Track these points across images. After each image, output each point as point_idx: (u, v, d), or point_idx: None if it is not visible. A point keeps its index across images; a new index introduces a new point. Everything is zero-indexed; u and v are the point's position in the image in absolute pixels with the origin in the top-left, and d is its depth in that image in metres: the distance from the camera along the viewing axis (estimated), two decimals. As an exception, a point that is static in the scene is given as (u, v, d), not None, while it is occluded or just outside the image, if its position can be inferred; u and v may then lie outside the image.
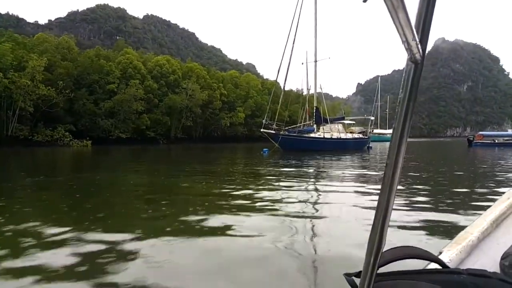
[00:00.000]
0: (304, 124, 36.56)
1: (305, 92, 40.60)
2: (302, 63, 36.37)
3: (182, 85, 64.94)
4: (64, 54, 54.60)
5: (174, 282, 3.41)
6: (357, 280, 0.79)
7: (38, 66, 44.63)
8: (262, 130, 29.11)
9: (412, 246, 1.00)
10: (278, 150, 29.13)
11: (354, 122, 44.96)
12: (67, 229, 5.14)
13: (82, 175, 14.64)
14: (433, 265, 1.06)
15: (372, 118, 42.86)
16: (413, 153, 29.18)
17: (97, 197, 8.79)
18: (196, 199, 8.02)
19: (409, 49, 0.57)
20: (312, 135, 32.24)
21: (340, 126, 36.44)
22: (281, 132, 30.21)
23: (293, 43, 29.88)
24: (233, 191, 8.99)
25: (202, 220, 5.78)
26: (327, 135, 33.07)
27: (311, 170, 15.90)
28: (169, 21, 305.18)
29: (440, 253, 1.45)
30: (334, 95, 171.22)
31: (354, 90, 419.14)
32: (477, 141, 47.55)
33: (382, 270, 0.87)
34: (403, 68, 0.62)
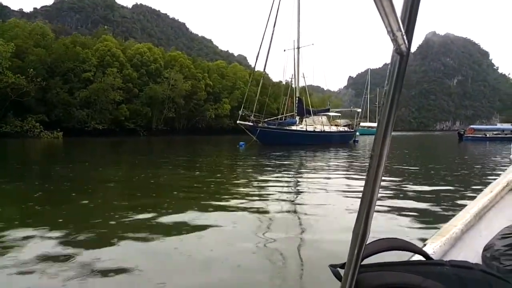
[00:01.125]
0: (286, 116, 34.18)
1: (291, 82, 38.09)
2: (285, 50, 33.91)
3: (164, 74, 62.16)
4: (37, 40, 51.45)
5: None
6: (342, 272, 0.80)
7: (5, 52, 41.63)
8: (238, 122, 26.79)
9: (396, 238, 1.01)
10: (256, 144, 27.01)
11: (339, 114, 42.14)
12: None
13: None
14: (417, 257, 1.08)
15: (359, 110, 40.12)
16: (401, 147, 27.29)
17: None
18: (171, 197, 7.86)
19: (394, 40, 0.56)
20: (293, 127, 29.94)
21: (324, 119, 34.12)
22: (260, 125, 27.83)
23: (274, 26, 27.55)
24: (203, 188, 8.80)
25: (179, 218, 5.68)
26: (310, 128, 30.77)
27: (289, 165, 14.60)
28: (158, 10, 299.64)
29: (425, 245, 1.50)
30: (325, 88, 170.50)
31: (345, 83, 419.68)
32: (468, 135, 46.05)
33: (367, 261, 0.88)
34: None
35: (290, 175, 11.28)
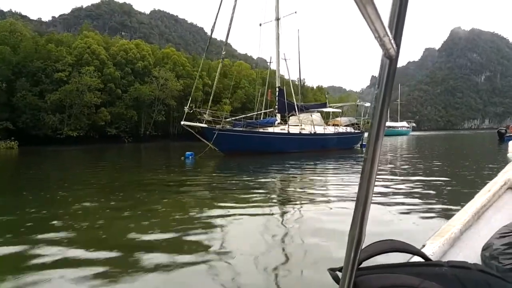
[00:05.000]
0: (264, 112, 25.78)
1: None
2: (261, 24, 25.64)
3: (153, 73, 55.36)
4: (3, 38, 45.39)
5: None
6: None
7: None
8: (183, 122, 19.01)
9: (394, 240, 1.01)
10: (213, 154, 19.47)
11: (340, 110, 31.29)
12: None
13: None
14: (416, 258, 1.08)
15: (367, 104, 30.34)
16: (430, 150, 19.49)
17: None
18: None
19: (382, 44, 0.56)
20: (270, 129, 21.50)
21: (316, 116, 25.35)
22: (219, 126, 19.57)
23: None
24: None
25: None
26: (294, 130, 22.30)
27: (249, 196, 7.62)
28: (176, 16, 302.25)
29: (423, 246, 1.49)
30: (347, 89, 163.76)
31: (368, 83, 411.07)
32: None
33: (365, 264, 0.89)
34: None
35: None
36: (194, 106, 19.23)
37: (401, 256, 1.00)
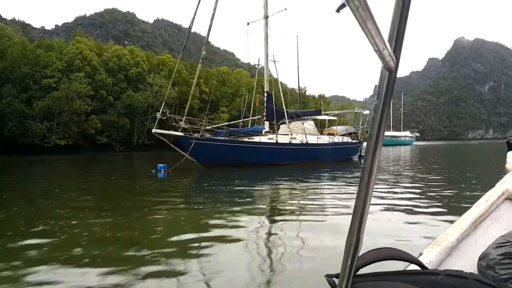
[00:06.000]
0: (253, 119, 23.79)
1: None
2: (248, 24, 23.59)
3: (147, 80, 53.66)
4: (-11, 42, 43.87)
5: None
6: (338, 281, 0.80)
7: None
8: (154, 130, 17.00)
9: (392, 248, 1.02)
10: (190, 165, 17.47)
11: (335, 118, 28.28)
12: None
13: None
14: (413, 267, 1.09)
15: (366, 112, 28.00)
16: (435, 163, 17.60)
17: None
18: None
19: (382, 57, 0.57)
20: (256, 138, 19.08)
21: (309, 125, 22.93)
22: (197, 135, 17.25)
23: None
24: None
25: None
26: (283, 139, 19.84)
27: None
28: (180, 25, 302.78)
29: (421, 254, 1.51)
30: (351, 98, 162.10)
31: (371, 93, 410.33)
32: (522, 144, 34.66)
33: (362, 271, 0.90)
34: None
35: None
36: (168, 112, 17.12)
37: (398, 264, 0.99)
